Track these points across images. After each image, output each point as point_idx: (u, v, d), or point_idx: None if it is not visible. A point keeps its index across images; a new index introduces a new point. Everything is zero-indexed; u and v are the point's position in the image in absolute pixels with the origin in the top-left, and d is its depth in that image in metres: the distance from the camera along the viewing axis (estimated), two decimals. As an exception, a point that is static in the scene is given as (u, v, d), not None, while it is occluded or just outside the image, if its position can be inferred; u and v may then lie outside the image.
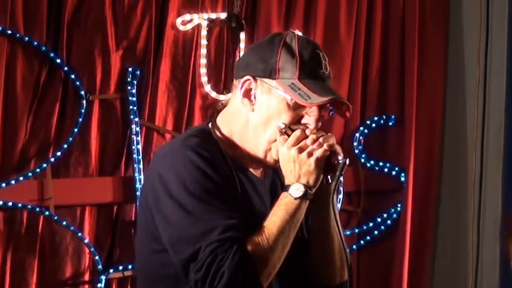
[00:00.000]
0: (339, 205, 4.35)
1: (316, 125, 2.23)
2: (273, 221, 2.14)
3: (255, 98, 2.23)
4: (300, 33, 2.31)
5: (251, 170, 2.30)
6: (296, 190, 2.17)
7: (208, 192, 2.12)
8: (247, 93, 2.24)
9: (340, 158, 2.20)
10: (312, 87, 2.19)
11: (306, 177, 2.17)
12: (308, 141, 2.18)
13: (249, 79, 2.23)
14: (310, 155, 2.17)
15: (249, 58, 2.27)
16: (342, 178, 2.25)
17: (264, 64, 2.22)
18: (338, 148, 2.21)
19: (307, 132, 2.20)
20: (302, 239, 2.30)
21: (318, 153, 2.17)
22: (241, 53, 4.16)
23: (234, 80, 2.30)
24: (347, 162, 2.20)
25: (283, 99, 2.21)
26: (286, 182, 2.19)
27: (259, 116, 2.23)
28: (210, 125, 2.31)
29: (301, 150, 2.17)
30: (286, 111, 2.21)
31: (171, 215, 2.12)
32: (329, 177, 2.23)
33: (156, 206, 2.17)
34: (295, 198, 2.16)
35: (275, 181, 2.34)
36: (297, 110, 2.22)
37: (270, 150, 2.24)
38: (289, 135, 2.20)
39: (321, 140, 2.18)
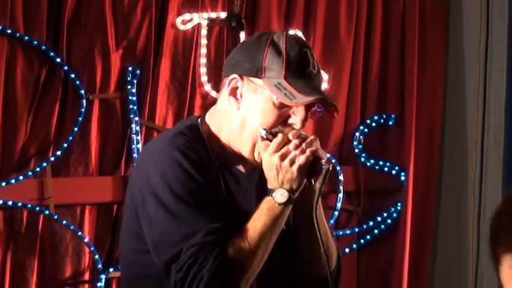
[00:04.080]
0: (338, 204, 4.36)
1: (302, 125, 2.21)
2: (255, 226, 2.14)
3: (241, 96, 2.22)
4: (290, 32, 2.30)
5: (238, 166, 2.29)
6: (280, 196, 2.15)
7: (193, 194, 2.12)
8: (233, 92, 2.23)
9: (323, 162, 2.17)
10: (297, 87, 2.17)
11: (289, 184, 2.16)
12: (290, 146, 2.15)
13: (235, 78, 2.23)
14: (292, 162, 2.15)
15: (236, 56, 2.26)
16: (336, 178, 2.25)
17: (251, 63, 2.21)
18: (322, 153, 2.18)
19: (290, 136, 2.17)
20: (290, 229, 2.28)
21: (301, 160, 2.14)
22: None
23: (224, 78, 2.29)
24: (330, 168, 2.18)
25: (269, 98, 2.19)
26: (270, 186, 2.18)
27: (245, 115, 2.22)
28: (199, 120, 2.30)
29: (283, 157, 2.15)
30: (272, 111, 2.20)
31: (155, 216, 2.13)
32: (313, 180, 2.20)
33: (142, 206, 2.17)
34: (279, 204, 2.15)
35: (263, 176, 2.32)
36: (282, 109, 2.20)
37: (254, 150, 2.23)
38: (270, 141, 2.17)
39: (303, 145, 2.15)
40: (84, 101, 3.89)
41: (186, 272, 2.07)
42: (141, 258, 2.21)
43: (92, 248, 3.90)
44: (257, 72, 2.20)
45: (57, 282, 3.90)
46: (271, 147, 2.16)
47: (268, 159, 2.16)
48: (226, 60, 2.33)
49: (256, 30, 4.22)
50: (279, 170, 2.15)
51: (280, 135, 2.17)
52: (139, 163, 2.27)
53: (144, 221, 2.16)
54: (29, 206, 3.80)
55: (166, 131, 2.42)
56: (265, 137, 2.18)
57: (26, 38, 3.80)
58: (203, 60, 4.12)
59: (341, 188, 4.35)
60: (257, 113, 2.21)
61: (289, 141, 2.16)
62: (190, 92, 4.12)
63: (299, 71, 2.20)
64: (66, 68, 3.87)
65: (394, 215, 4.51)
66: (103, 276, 3.90)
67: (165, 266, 2.11)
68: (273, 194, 2.15)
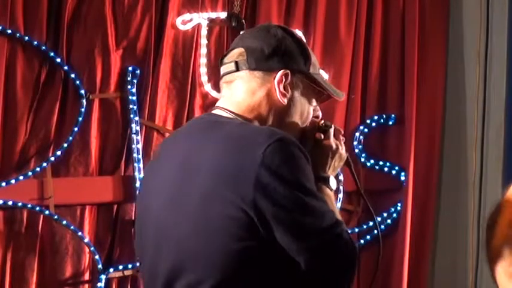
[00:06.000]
0: (338, 204, 4.36)
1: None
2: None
3: (287, 90, 2.20)
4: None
5: None
6: (333, 183, 2.25)
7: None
8: (284, 86, 2.20)
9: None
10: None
11: (336, 171, 2.29)
12: (340, 137, 2.30)
13: (287, 72, 2.20)
14: (340, 151, 2.29)
15: (280, 51, 2.21)
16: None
17: (303, 58, 2.23)
18: None
19: (335, 127, 2.30)
20: None
21: (344, 149, 2.30)
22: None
23: (253, 71, 2.22)
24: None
25: (310, 92, 2.24)
26: (323, 174, 2.22)
27: (293, 109, 2.23)
28: (227, 116, 2.22)
29: (338, 147, 2.28)
30: (311, 104, 2.26)
31: (308, 205, 2.05)
32: None
33: (273, 201, 2.03)
34: (332, 190, 2.24)
35: None
36: (315, 102, 2.28)
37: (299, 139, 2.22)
38: (324, 130, 2.26)
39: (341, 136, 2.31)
40: (84, 101, 3.89)
41: (354, 250, 2.11)
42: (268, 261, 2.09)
43: (92, 248, 3.90)
44: (307, 68, 2.24)
45: (57, 282, 3.90)
46: (332, 137, 2.27)
47: (335, 148, 2.27)
48: (256, 53, 2.22)
49: (256, 30, 4.23)
50: (337, 159, 2.27)
51: (333, 126, 2.29)
52: (249, 158, 2.04)
53: (282, 215, 2.03)
54: (29, 206, 3.80)
55: (241, 130, 2.14)
56: (327, 128, 2.28)
57: (26, 38, 3.80)
58: (203, 60, 4.12)
59: (341, 188, 4.34)
60: (304, 106, 2.25)
61: (340, 132, 2.30)
62: (190, 92, 4.12)
63: None
64: (66, 68, 3.87)
65: (394, 215, 4.51)
66: (103, 277, 3.90)
67: (328, 247, 2.07)
68: (330, 182, 2.24)
